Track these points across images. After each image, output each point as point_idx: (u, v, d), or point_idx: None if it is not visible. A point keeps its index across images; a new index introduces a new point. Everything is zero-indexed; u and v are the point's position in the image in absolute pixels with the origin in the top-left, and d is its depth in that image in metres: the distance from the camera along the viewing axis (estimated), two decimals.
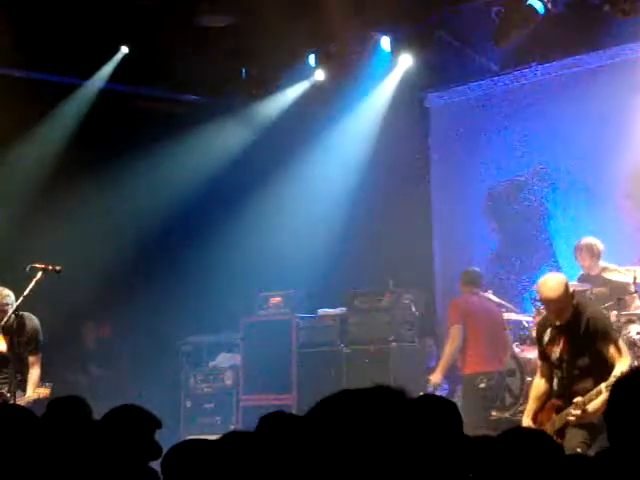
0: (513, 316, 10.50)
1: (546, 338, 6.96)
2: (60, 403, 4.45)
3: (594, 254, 10.06)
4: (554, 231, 11.75)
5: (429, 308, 11.88)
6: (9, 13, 10.54)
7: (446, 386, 11.26)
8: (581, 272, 10.27)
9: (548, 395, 6.98)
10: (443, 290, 12.55)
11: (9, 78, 11.44)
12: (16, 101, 11.03)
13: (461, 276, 10.60)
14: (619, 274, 9.75)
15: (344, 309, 11.45)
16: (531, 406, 7.10)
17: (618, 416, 3.14)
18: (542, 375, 7.11)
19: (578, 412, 6.55)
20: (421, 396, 3.76)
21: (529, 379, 9.43)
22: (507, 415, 9.41)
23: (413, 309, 11.19)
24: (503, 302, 10.73)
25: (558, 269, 11.16)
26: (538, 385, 7.13)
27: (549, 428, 6.67)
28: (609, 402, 3.23)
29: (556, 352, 6.88)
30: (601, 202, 11.20)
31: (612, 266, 9.92)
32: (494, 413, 9.62)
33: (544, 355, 7.03)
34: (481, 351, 10.01)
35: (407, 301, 11.17)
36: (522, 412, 9.31)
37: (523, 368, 9.54)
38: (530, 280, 11.42)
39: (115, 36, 11.65)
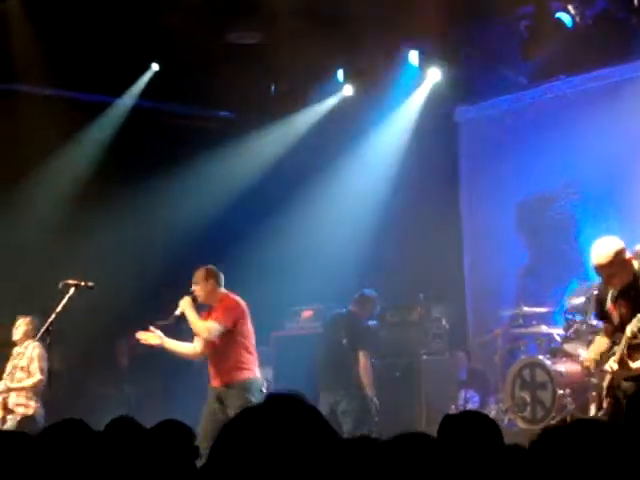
0: (544, 329, 10.48)
1: (608, 299, 6.97)
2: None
3: None
4: (585, 244, 11.72)
5: (460, 321, 11.90)
6: (41, 33, 10.68)
7: (477, 398, 11.28)
8: None
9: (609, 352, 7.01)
10: (473, 303, 12.55)
11: (43, 97, 11.59)
12: (50, 120, 11.19)
13: None
14: None
15: (375, 322, 11.49)
16: (593, 355, 7.15)
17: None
18: (605, 333, 7.15)
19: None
20: (462, 413, 3.82)
21: (560, 392, 9.43)
22: (538, 428, 9.39)
23: (443, 322, 11.22)
24: (535, 314, 10.71)
25: (588, 282, 11.14)
26: (601, 341, 7.17)
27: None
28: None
29: (616, 315, 6.92)
30: (632, 214, 11.16)
31: None
32: (523, 425, 9.61)
33: (606, 315, 7.05)
34: None
35: (437, 314, 11.21)
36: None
37: (554, 381, 9.53)
38: (560, 293, 11.40)
39: (146, 54, 11.77)
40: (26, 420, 9.64)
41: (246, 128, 13.13)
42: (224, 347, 8.59)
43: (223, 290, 8.87)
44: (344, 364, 10.06)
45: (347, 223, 12.42)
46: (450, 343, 11.32)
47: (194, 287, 8.79)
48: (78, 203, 11.77)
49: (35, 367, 9.79)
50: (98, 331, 11.35)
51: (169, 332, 8.87)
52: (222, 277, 8.92)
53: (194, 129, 13.14)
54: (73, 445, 3.92)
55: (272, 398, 2.14)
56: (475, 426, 3.62)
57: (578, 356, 9.73)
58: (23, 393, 9.78)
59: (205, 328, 8.58)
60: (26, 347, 9.91)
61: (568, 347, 9.91)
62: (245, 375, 8.58)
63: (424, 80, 12.10)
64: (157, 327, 8.77)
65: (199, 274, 8.81)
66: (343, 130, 12.78)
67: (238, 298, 8.87)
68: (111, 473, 3.81)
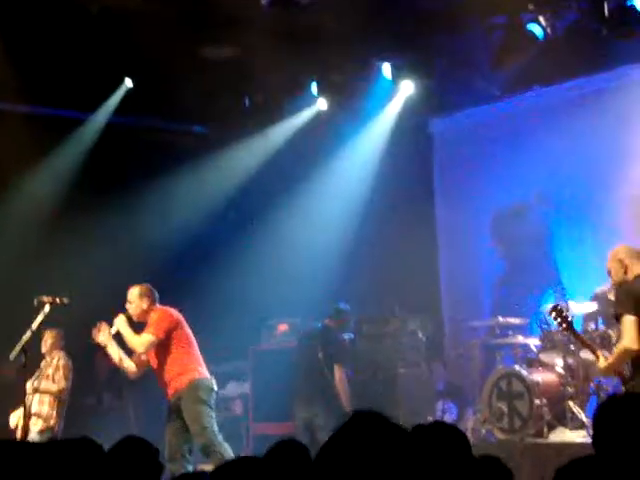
0: (520, 339, 10.50)
1: None
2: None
3: None
4: (559, 253, 11.77)
5: (436, 333, 11.90)
6: (11, 50, 10.64)
7: (454, 409, 11.28)
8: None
9: None
10: (450, 314, 12.57)
11: (14, 114, 11.54)
12: (22, 137, 11.14)
13: None
14: None
15: (352, 335, 11.48)
16: None
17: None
18: None
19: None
20: (432, 423, 3.83)
21: (537, 402, 9.44)
22: (515, 439, 9.40)
23: (420, 334, 11.23)
24: (510, 324, 10.73)
25: (563, 292, 11.18)
26: None
27: None
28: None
29: None
30: (606, 225, 11.20)
31: None
32: (501, 435, 9.62)
33: None
34: None
35: (414, 326, 11.22)
36: (530, 435, 9.38)
37: (531, 390, 9.54)
38: (535, 303, 11.43)
39: (119, 69, 11.75)
40: (47, 431, 9.83)
41: (221, 142, 13.13)
42: (164, 358, 8.65)
43: (158, 306, 8.88)
44: (320, 378, 10.05)
45: (322, 235, 12.43)
46: (427, 355, 11.32)
47: (128, 305, 8.81)
48: (52, 221, 11.73)
49: (60, 375, 10.04)
50: (77, 345, 11.31)
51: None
52: (156, 294, 8.94)
53: (169, 144, 13.12)
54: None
55: (357, 417, 2.16)
56: (443, 437, 3.62)
57: (554, 366, 9.77)
58: (48, 401, 9.94)
59: (140, 343, 8.58)
60: (52, 358, 10.17)
61: (544, 357, 9.94)
62: (189, 377, 8.66)
63: (397, 92, 12.14)
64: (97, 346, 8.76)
65: (133, 292, 8.85)
66: (318, 143, 12.81)
67: (171, 309, 8.89)
68: None
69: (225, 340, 12.20)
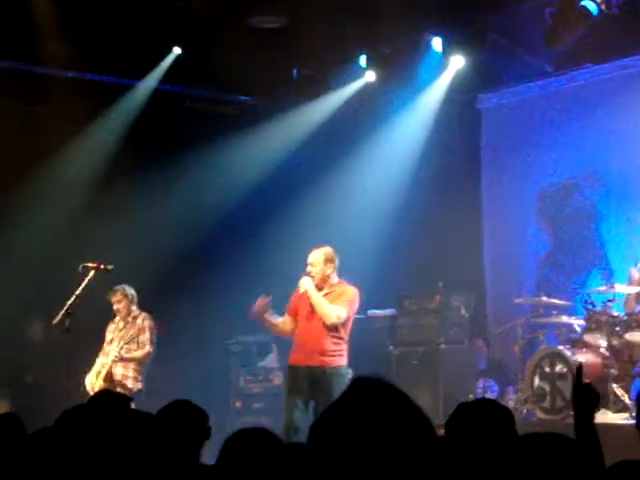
0: (564, 319, 10.40)
1: None
2: None
3: None
4: (606, 233, 11.64)
5: (479, 309, 11.83)
6: (65, 17, 10.67)
7: (495, 388, 11.22)
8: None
9: None
10: (493, 292, 12.49)
11: (63, 79, 11.60)
12: (70, 102, 11.21)
13: None
14: None
15: (394, 310, 11.45)
16: None
17: None
18: None
19: None
20: (475, 400, 3.79)
21: None
22: (557, 418, 9.34)
23: (462, 311, 11.16)
24: (555, 305, 10.64)
25: (610, 271, 11.07)
26: None
27: None
28: None
29: None
30: None
31: None
32: (542, 415, 9.55)
33: None
34: None
35: (456, 303, 11.15)
36: (572, 416, 9.29)
37: (574, 372, 9.46)
38: (581, 283, 11.33)
39: (168, 37, 11.74)
40: (138, 395, 9.48)
41: (268, 113, 13.09)
42: (324, 328, 8.49)
43: (344, 280, 8.70)
44: None
45: (367, 211, 12.37)
46: (469, 332, 11.26)
47: (310, 268, 8.58)
48: (97, 184, 11.79)
49: (146, 338, 9.75)
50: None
51: None
52: (337, 262, 8.69)
53: (215, 113, 13.14)
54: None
55: (360, 383, 2.12)
56: (488, 414, 3.57)
57: (598, 347, 9.68)
58: (132, 366, 9.69)
59: (335, 314, 8.43)
60: (134, 317, 9.85)
61: (588, 338, 9.84)
62: (338, 362, 8.52)
63: (447, 67, 12.01)
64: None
65: (317, 256, 8.61)
66: (365, 116, 12.73)
67: (356, 289, 8.68)
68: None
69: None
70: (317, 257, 8.58)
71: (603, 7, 10.02)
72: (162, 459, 3.76)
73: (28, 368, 11.81)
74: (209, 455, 4.52)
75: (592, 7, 10.02)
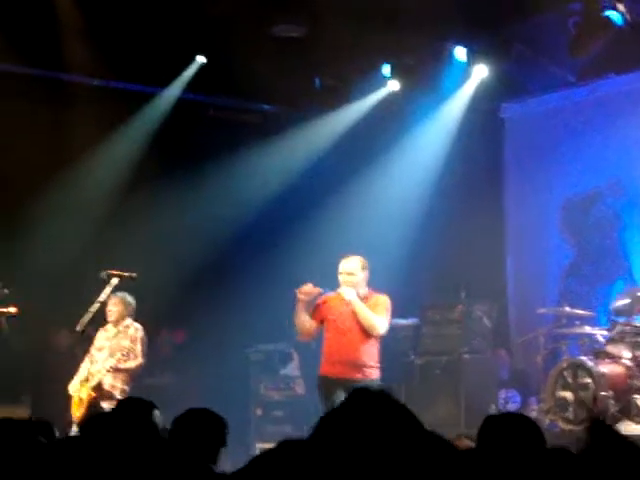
0: (587, 329, 10.35)
1: None
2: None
3: None
4: (630, 243, 11.59)
5: (501, 319, 11.80)
6: (90, 24, 10.75)
7: (518, 398, 11.18)
8: None
9: None
10: (516, 302, 12.45)
11: (90, 87, 11.67)
12: (95, 109, 11.28)
13: None
14: None
15: (417, 320, 11.43)
16: None
17: None
18: None
19: None
20: (503, 414, 3.77)
21: (603, 394, 9.32)
22: (580, 429, 9.29)
23: (485, 321, 11.13)
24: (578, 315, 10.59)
25: (633, 282, 11.01)
26: None
27: None
28: None
29: None
30: None
31: None
32: (565, 426, 9.51)
33: None
34: None
35: (479, 312, 11.12)
36: None
37: (596, 382, 9.42)
38: (604, 293, 11.27)
39: (192, 46, 11.80)
40: None
41: (290, 122, 13.11)
42: (364, 338, 8.35)
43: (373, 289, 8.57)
44: None
45: (389, 220, 12.35)
46: (492, 342, 11.22)
47: (348, 278, 8.37)
48: (121, 192, 11.84)
49: (139, 350, 9.42)
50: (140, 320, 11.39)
51: None
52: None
53: (238, 122, 13.18)
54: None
55: (360, 393, 2.13)
56: (517, 428, 3.57)
57: (621, 358, 9.62)
58: (120, 376, 9.38)
59: (380, 325, 8.32)
60: (126, 327, 9.49)
61: (611, 348, 9.79)
62: (376, 374, 8.40)
63: (471, 76, 12.01)
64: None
65: (354, 264, 8.43)
66: (388, 125, 12.73)
67: (388, 297, 8.55)
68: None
69: (288, 318, 12.23)
70: (355, 266, 8.41)
71: (627, 17, 10.00)
72: (178, 466, 3.79)
73: (51, 375, 11.83)
74: (227, 462, 4.54)
75: (616, 17, 10.00)
